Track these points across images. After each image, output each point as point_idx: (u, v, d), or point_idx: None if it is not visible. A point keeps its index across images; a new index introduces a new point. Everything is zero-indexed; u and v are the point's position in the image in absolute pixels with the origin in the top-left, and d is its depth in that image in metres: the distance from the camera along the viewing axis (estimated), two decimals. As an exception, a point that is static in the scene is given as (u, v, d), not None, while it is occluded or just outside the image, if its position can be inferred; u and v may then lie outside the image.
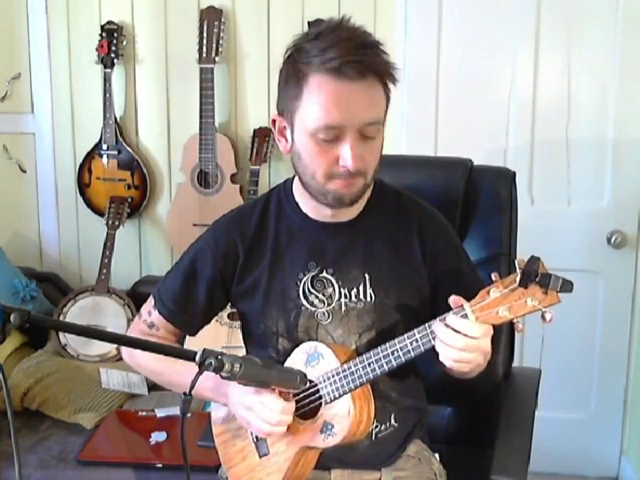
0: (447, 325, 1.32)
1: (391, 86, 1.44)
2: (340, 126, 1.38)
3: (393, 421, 1.59)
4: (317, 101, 1.38)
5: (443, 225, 1.62)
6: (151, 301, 1.65)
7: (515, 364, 2.06)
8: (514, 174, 1.99)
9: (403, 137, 2.87)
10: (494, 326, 1.32)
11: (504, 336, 1.90)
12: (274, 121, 1.50)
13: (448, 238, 1.61)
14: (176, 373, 1.53)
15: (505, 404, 1.89)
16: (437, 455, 1.72)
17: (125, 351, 1.68)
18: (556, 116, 2.80)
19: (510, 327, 1.33)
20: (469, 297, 1.33)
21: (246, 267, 1.57)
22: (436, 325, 1.34)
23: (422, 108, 2.87)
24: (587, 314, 2.88)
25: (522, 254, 1.80)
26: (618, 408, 2.94)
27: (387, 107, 1.45)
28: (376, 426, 1.56)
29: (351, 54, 1.35)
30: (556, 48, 2.77)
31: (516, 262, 1.28)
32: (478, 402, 1.94)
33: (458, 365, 1.34)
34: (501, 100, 2.83)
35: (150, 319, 1.63)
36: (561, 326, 2.73)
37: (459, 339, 1.31)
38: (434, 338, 1.34)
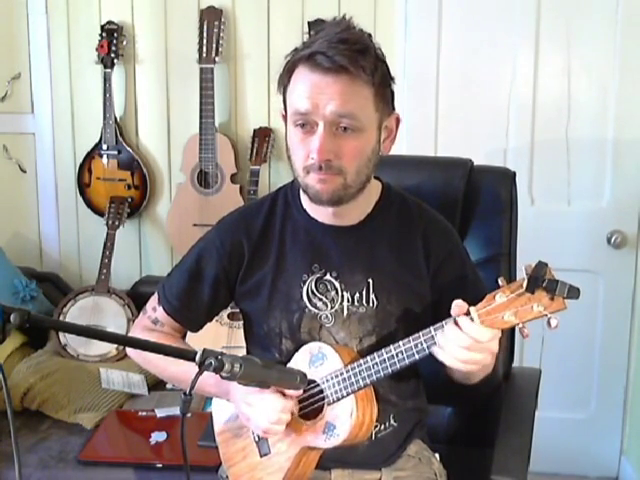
0: (456, 324, 1.32)
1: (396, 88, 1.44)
2: (308, 113, 1.40)
3: (392, 421, 1.59)
4: (295, 89, 1.42)
5: (448, 232, 1.61)
6: (156, 297, 1.65)
7: (515, 364, 2.06)
8: (514, 174, 1.99)
9: (403, 137, 2.86)
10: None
11: (504, 337, 1.90)
12: (283, 116, 1.51)
13: (453, 245, 1.60)
14: (181, 372, 1.52)
15: (505, 404, 1.89)
16: (437, 455, 1.72)
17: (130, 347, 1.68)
18: (556, 116, 2.80)
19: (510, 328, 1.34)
20: (474, 304, 1.32)
21: (251, 267, 1.57)
22: (447, 326, 1.34)
23: (422, 108, 2.86)
24: (587, 314, 2.87)
25: (522, 254, 1.80)
26: (618, 408, 2.94)
27: (379, 108, 1.43)
28: (375, 426, 1.55)
29: (326, 47, 1.37)
30: (556, 48, 2.77)
31: (523, 267, 1.27)
32: (478, 402, 1.94)
33: (465, 366, 1.34)
34: (501, 100, 2.83)
35: (155, 315, 1.64)
36: (561, 326, 2.72)
37: (465, 339, 1.31)
38: None
